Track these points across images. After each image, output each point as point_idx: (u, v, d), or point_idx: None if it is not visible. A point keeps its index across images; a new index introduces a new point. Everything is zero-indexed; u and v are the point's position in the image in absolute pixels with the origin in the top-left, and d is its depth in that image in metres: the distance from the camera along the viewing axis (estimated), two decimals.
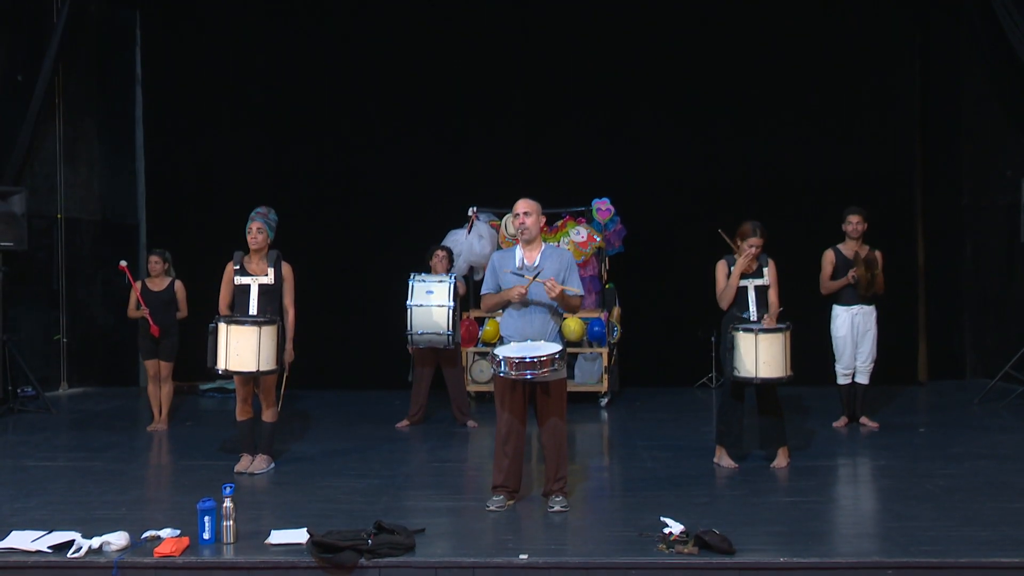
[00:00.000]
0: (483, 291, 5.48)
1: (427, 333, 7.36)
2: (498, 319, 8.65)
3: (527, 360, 5.03)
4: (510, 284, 5.26)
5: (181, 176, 10.20)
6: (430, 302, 7.33)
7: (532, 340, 5.20)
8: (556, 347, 5.13)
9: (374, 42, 10.06)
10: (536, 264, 5.26)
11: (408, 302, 7.36)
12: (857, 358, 7.46)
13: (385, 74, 10.03)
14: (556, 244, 8.48)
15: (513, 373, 5.06)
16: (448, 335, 7.37)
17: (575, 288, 5.28)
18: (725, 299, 6.19)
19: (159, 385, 7.75)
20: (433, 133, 9.98)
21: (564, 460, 5.37)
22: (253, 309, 6.03)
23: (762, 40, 9.84)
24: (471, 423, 7.77)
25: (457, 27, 10.00)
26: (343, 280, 9.81)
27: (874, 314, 7.44)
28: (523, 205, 5.33)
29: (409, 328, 7.38)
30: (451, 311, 7.32)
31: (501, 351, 5.15)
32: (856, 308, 7.39)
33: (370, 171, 10.05)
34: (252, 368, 5.85)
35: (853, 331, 7.41)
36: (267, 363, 5.88)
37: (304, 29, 10.19)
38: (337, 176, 10.06)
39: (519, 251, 5.35)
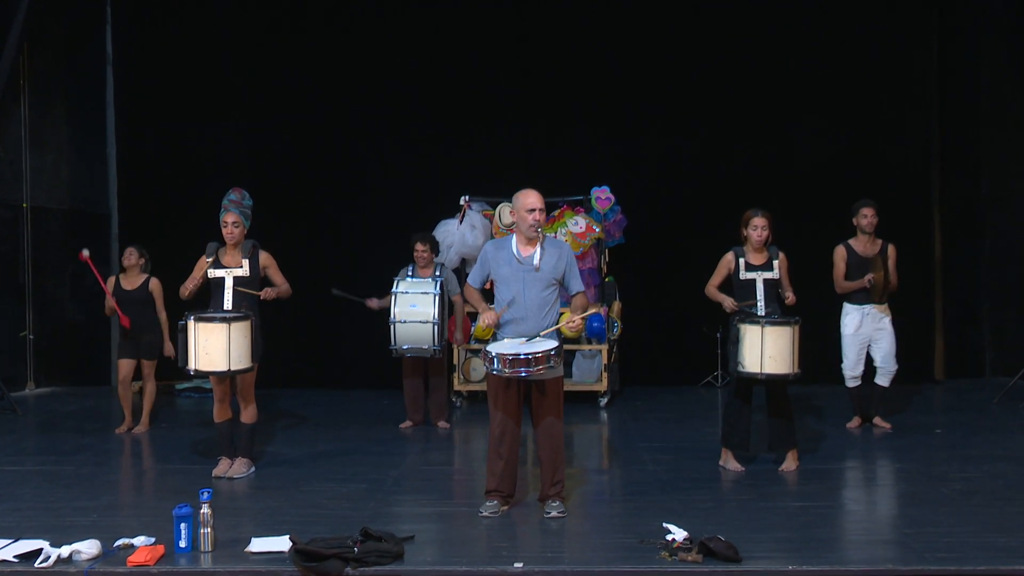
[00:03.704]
0: (468, 280, 5.49)
1: (412, 347, 7.46)
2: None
3: (521, 357, 5.03)
4: (508, 278, 5.23)
5: (155, 163, 10.13)
6: (414, 317, 7.36)
7: (527, 336, 5.19)
8: (552, 343, 5.13)
9: (360, 23, 10.02)
10: (534, 258, 5.24)
11: (390, 318, 7.40)
12: (876, 358, 7.46)
13: (373, 56, 9.98)
14: (554, 235, 8.48)
15: (507, 371, 5.07)
16: (435, 349, 7.45)
17: (577, 286, 5.32)
18: (710, 296, 6.26)
19: (129, 387, 7.71)
20: (425, 120, 9.92)
21: (561, 463, 5.37)
22: (227, 303, 6.00)
23: (770, 22, 9.81)
24: (442, 423, 7.82)
25: (451, 9, 9.96)
26: (329, 274, 9.77)
27: (888, 315, 7.43)
28: (538, 199, 5.23)
29: (393, 343, 7.45)
30: (436, 327, 7.36)
31: (494, 348, 5.15)
32: (868, 307, 7.39)
33: (358, 160, 10.01)
34: (223, 368, 5.81)
35: (862, 330, 7.41)
36: (239, 361, 5.84)
37: (286, 8, 10.14)
38: (323, 165, 10.01)
39: (515, 242, 5.32)
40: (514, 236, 5.35)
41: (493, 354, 5.10)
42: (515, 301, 5.23)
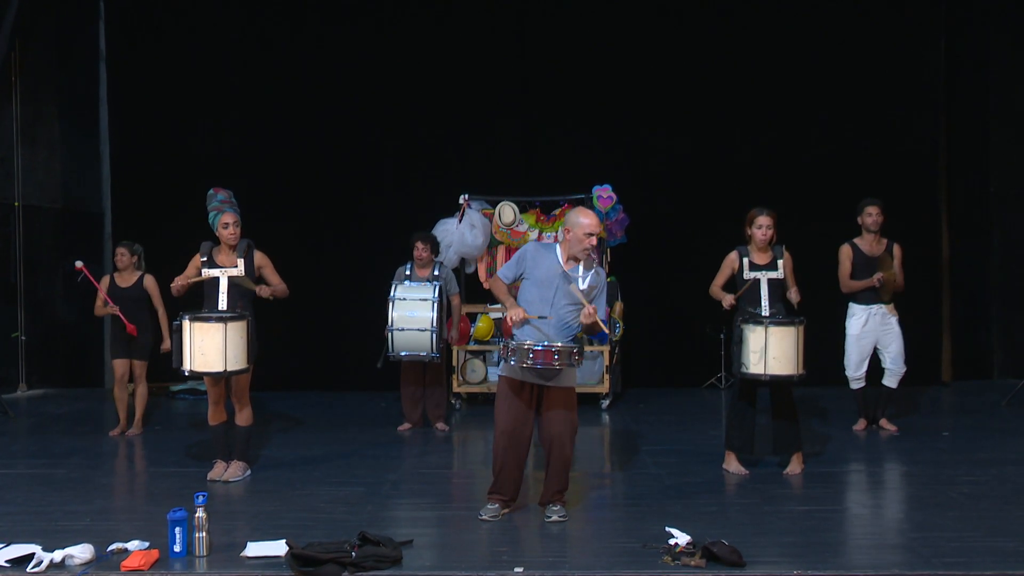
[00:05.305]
0: (499, 273, 5.49)
1: (410, 354, 7.48)
2: (495, 314, 8.65)
3: (539, 348, 5.07)
4: (542, 281, 5.24)
5: (150, 161, 10.13)
6: (412, 325, 7.38)
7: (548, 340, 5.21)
8: (574, 344, 5.19)
9: (359, 20, 10.02)
10: (580, 277, 5.24)
11: (388, 326, 7.42)
12: (885, 360, 7.46)
13: (372, 54, 9.97)
14: (554, 235, 8.51)
15: (527, 362, 5.09)
16: (432, 356, 7.47)
17: (599, 315, 5.31)
18: (713, 296, 6.26)
19: (126, 388, 7.72)
20: (425, 119, 9.93)
21: (567, 470, 5.38)
22: (223, 303, 5.99)
23: (776, 20, 9.82)
24: (441, 426, 7.84)
25: (451, 8, 9.96)
26: (326, 275, 9.79)
27: (895, 316, 7.44)
28: (594, 223, 5.23)
29: (391, 350, 7.47)
30: (434, 334, 7.37)
31: (515, 339, 5.20)
32: (875, 307, 7.40)
33: (357, 158, 10.01)
34: (219, 368, 5.80)
35: (868, 331, 7.41)
36: (236, 362, 5.83)
37: (283, 4, 10.14)
38: (321, 164, 10.00)
39: (559, 252, 5.32)
40: (558, 246, 5.37)
41: (513, 345, 5.13)
42: (541, 305, 5.23)
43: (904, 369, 7.51)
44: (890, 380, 7.54)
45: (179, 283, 5.98)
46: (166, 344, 7.62)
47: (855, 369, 7.49)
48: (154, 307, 7.71)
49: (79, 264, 7.60)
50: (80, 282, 7.67)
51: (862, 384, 7.54)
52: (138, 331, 7.59)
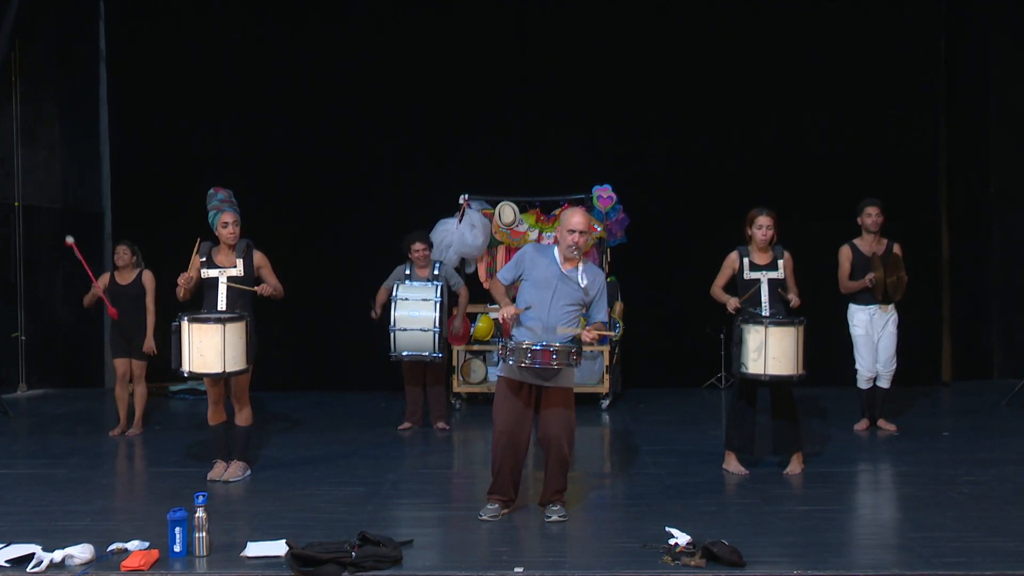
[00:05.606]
0: (499, 274, 5.52)
1: (412, 354, 7.51)
2: (492, 314, 8.66)
3: (538, 348, 5.09)
4: (540, 281, 5.26)
5: (149, 161, 10.13)
6: (415, 325, 7.41)
7: (547, 340, 5.22)
8: (573, 345, 5.20)
9: (360, 19, 10.02)
10: (578, 276, 5.26)
11: (390, 325, 7.43)
12: (878, 361, 7.47)
13: (372, 53, 9.97)
14: (553, 236, 8.49)
15: (526, 361, 5.10)
16: (434, 356, 7.50)
17: (601, 316, 5.34)
18: (715, 297, 6.25)
19: (127, 387, 7.72)
20: (425, 118, 9.93)
21: (566, 471, 5.38)
22: (222, 304, 5.99)
23: (776, 20, 9.83)
24: (441, 425, 7.84)
25: (451, 8, 9.96)
26: (326, 275, 9.79)
27: (894, 315, 7.44)
28: (580, 221, 5.26)
29: (392, 350, 7.50)
30: (436, 335, 7.40)
31: (513, 339, 5.21)
32: (873, 308, 7.41)
33: (356, 158, 10.01)
34: (217, 370, 5.79)
35: (871, 330, 7.43)
36: (235, 363, 5.83)
37: (283, 4, 10.14)
38: (320, 164, 10.00)
39: (557, 253, 5.34)
40: (556, 248, 5.39)
41: (511, 345, 5.14)
42: (539, 306, 5.24)
43: (894, 366, 7.51)
44: (883, 381, 7.55)
45: (183, 284, 5.96)
46: (149, 344, 7.59)
47: (869, 368, 7.47)
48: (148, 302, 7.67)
49: (69, 240, 7.60)
50: (76, 268, 7.63)
51: (871, 384, 7.53)
52: (134, 328, 7.57)
